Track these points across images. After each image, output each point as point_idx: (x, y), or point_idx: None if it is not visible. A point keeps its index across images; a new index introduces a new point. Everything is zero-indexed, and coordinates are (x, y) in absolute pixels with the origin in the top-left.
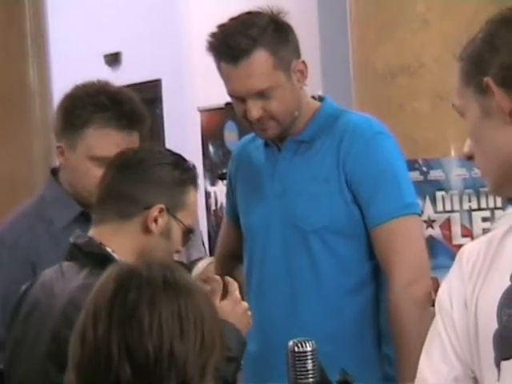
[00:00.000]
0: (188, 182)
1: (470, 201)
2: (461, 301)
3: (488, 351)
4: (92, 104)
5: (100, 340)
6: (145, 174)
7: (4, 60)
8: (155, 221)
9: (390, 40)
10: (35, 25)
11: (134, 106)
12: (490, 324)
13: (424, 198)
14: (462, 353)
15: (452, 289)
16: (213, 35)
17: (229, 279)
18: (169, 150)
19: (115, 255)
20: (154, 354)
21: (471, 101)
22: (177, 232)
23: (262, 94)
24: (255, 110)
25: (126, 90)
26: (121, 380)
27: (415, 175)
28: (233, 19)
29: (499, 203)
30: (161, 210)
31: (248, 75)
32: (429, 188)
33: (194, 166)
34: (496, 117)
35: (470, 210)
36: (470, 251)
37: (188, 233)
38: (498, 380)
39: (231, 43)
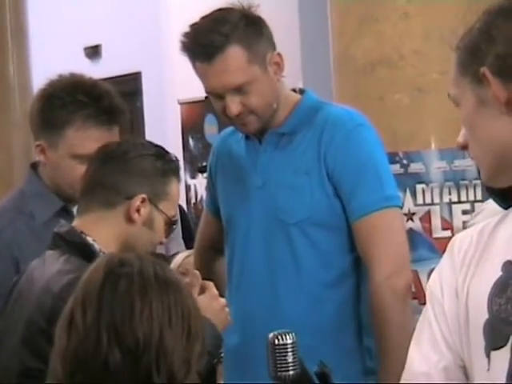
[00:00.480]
0: (170, 173)
1: (450, 193)
2: (452, 290)
3: (478, 341)
4: (71, 103)
5: (89, 325)
6: (127, 165)
7: None
8: (138, 211)
9: (370, 32)
10: (15, 18)
11: (112, 101)
12: (480, 313)
13: (404, 191)
14: (453, 342)
15: (443, 278)
16: (186, 35)
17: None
18: (150, 142)
19: (96, 245)
20: (144, 340)
21: (467, 90)
22: (159, 223)
23: (239, 90)
24: (234, 105)
25: (102, 83)
26: (109, 365)
27: (396, 168)
28: (204, 17)
29: (479, 196)
30: (143, 200)
31: (224, 71)
32: (409, 181)
33: (176, 158)
34: (492, 106)
35: (450, 203)
36: (461, 241)
37: (171, 224)
38: (488, 370)
39: (204, 41)
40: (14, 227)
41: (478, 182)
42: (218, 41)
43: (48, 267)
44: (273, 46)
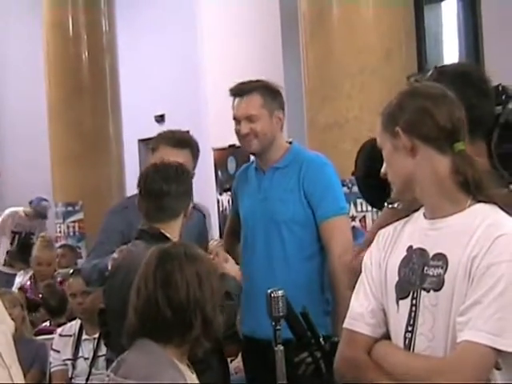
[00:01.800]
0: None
1: None
2: (377, 262)
3: (392, 293)
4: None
5: (150, 294)
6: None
7: (92, 118)
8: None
9: (328, 106)
10: (112, 95)
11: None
12: (393, 277)
13: (350, 203)
14: (377, 294)
15: (372, 255)
16: (232, 87)
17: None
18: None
19: (170, 236)
20: (185, 301)
21: (386, 141)
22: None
23: (250, 119)
24: (245, 128)
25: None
26: (165, 319)
27: (345, 189)
28: (243, 82)
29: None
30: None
31: (245, 105)
32: (352, 197)
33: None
34: (401, 152)
35: (378, 211)
36: (383, 233)
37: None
38: (397, 311)
39: (241, 87)
40: (127, 202)
41: None
42: (248, 89)
43: (137, 250)
44: (281, 109)
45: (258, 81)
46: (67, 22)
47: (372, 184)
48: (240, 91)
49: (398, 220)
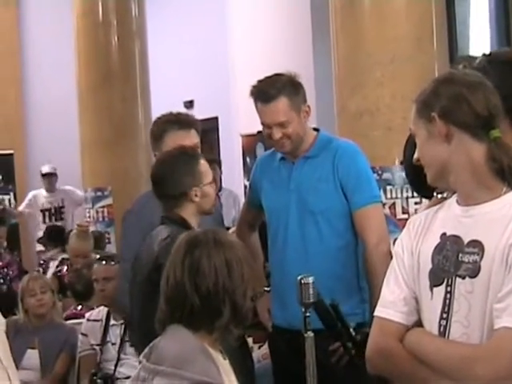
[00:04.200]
0: None
1: (407, 192)
2: (409, 250)
3: (425, 281)
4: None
5: (178, 281)
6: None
7: (122, 104)
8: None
9: (358, 94)
10: (141, 81)
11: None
12: (426, 264)
13: (379, 190)
14: (409, 281)
15: (403, 243)
16: (254, 86)
17: None
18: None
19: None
20: (213, 289)
21: (421, 127)
22: None
23: (281, 124)
24: (277, 133)
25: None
26: (193, 306)
27: (374, 176)
28: (266, 77)
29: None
30: None
31: (274, 112)
32: (382, 184)
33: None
34: (436, 137)
35: (407, 198)
36: (414, 221)
37: None
38: (431, 299)
39: (265, 91)
40: (149, 205)
41: None
42: (273, 93)
43: (158, 236)
44: (305, 100)
45: (278, 78)
46: (97, 8)
47: (419, 172)
48: (265, 97)
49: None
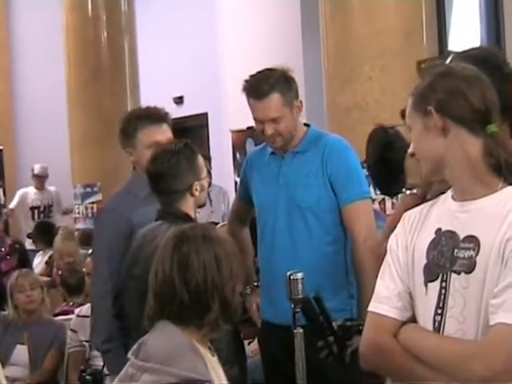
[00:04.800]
0: None
1: None
2: (403, 245)
3: (419, 276)
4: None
5: (167, 276)
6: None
7: (111, 99)
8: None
9: (348, 89)
10: (131, 77)
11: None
12: (421, 260)
13: (369, 186)
14: (403, 277)
15: (398, 238)
16: (246, 81)
17: None
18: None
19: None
20: (202, 283)
21: (417, 120)
22: None
23: (274, 120)
24: (269, 129)
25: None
26: (182, 302)
27: (363, 172)
28: (258, 72)
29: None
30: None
31: (266, 108)
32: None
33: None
34: (432, 131)
35: (397, 193)
36: (409, 216)
37: None
38: (426, 294)
39: (257, 87)
40: (126, 202)
41: None
42: (266, 88)
43: (161, 231)
44: (297, 95)
45: (271, 73)
46: (86, 4)
47: (383, 171)
48: (257, 93)
49: (417, 205)
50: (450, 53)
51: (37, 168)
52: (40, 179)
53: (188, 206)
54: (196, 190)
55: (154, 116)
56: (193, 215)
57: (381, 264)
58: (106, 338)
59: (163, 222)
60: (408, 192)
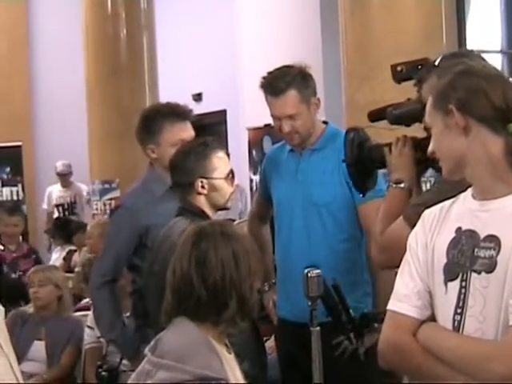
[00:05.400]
0: None
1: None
2: (423, 243)
3: (440, 275)
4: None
5: (185, 273)
6: None
7: (130, 96)
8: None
9: (367, 87)
10: (150, 74)
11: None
12: (441, 259)
13: (385, 184)
14: (423, 275)
15: (417, 236)
16: (264, 78)
17: None
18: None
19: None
20: (220, 281)
21: (438, 119)
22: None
23: (291, 117)
24: (286, 126)
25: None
26: (200, 298)
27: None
28: (276, 69)
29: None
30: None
31: (283, 105)
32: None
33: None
34: (453, 130)
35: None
36: (429, 214)
37: None
38: (446, 293)
39: (274, 84)
40: (143, 200)
41: (432, 178)
42: (283, 85)
43: (177, 227)
44: (315, 93)
45: (288, 70)
46: (105, 1)
47: (361, 170)
48: (274, 90)
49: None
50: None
51: (59, 166)
52: (63, 177)
53: (200, 202)
54: (203, 187)
55: (180, 113)
56: (209, 213)
57: (388, 256)
58: (109, 327)
59: (181, 219)
60: (395, 186)
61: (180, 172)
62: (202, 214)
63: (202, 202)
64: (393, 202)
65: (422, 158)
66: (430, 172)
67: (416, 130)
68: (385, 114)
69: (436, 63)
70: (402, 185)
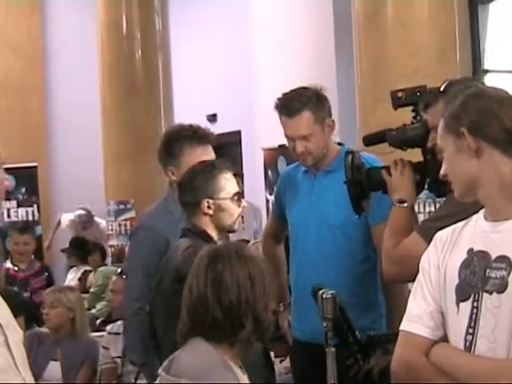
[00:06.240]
0: None
1: (429, 206)
2: (435, 264)
3: (452, 296)
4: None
5: (201, 294)
6: None
7: (145, 116)
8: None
9: (381, 108)
10: (165, 95)
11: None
12: (453, 279)
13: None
14: (435, 296)
15: (430, 257)
16: (279, 99)
17: None
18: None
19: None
20: (236, 302)
21: (449, 142)
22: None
23: (305, 138)
24: (300, 147)
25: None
26: (215, 319)
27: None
28: (291, 90)
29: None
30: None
31: (297, 126)
32: None
33: None
34: (465, 153)
35: (429, 212)
36: (441, 236)
37: None
38: (457, 313)
39: (289, 105)
40: (163, 220)
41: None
42: (298, 106)
43: (181, 248)
44: (330, 114)
45: (303, 92)
46: (121, 21)
47: (359, 192)
48: (289, 110)
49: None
50: (484, 71)
51: (76, 218)
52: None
53: (203, 223)
54: (209, 207)
55: (202, 137)
56: (213, 236)
57: (400, 269)
58: (141, 354)
59: (184, 240)
60: (398, 205)
61: (187, 191)
62: (204, 236)
63: (206, 223)
64: (398, 220)
65: (418, 181)
66: (426, 193)
67: (408, 154)
68: (378, 139)
69: (441, 89)
70: (406, 204)
